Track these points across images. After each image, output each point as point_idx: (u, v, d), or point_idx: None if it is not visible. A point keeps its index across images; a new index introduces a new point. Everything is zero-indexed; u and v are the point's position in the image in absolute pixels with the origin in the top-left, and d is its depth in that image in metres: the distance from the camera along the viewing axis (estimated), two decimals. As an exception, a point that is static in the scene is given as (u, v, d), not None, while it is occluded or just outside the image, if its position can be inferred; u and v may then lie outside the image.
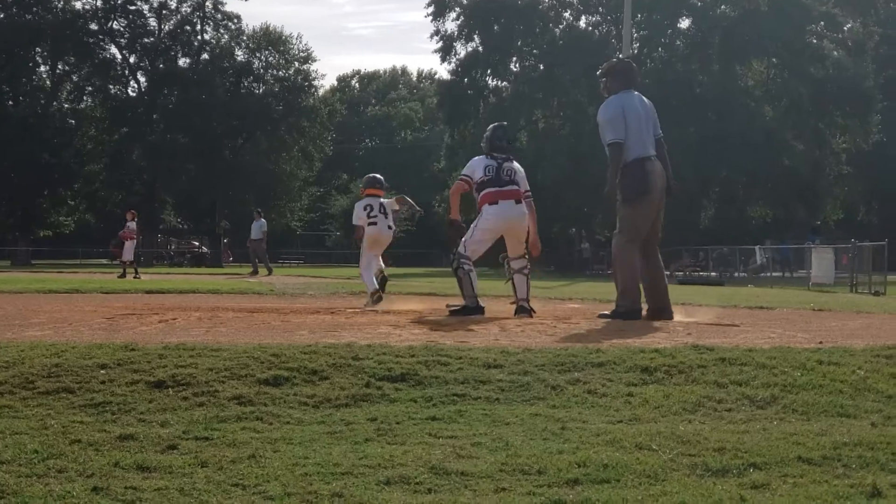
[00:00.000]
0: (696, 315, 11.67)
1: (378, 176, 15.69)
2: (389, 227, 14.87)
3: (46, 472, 4.63)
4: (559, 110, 65.03)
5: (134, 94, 79.25)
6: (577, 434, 5.42)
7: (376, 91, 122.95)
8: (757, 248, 45.33)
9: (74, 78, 78.82)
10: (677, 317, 10.93)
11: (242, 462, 4.82)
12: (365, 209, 14.60)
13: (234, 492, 4.35)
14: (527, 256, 11.76)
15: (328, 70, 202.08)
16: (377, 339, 7.95)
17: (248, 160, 78.58)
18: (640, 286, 11.01)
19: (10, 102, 75.18)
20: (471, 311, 11.31)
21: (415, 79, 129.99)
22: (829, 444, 5.27)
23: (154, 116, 77.26)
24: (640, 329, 9.62)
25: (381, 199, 14.91)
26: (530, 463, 4.77)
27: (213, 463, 4.80)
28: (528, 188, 11.80)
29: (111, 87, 78.36)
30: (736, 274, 43.46)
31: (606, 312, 11.10)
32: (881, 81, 67.19)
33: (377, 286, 13.75)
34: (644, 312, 10.89)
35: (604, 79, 11.36)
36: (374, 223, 14.58)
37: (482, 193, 11.56)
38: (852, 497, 4.34)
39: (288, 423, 5.73)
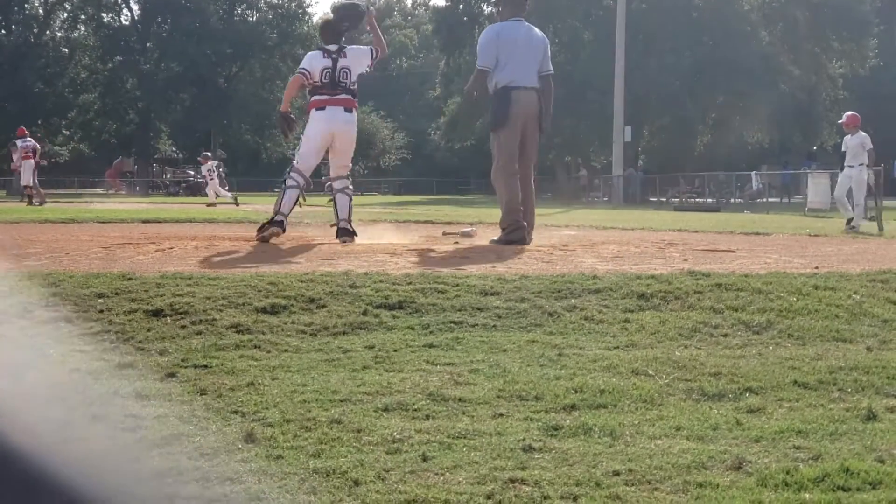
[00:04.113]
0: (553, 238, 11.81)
1: None
2: None
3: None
4: (554, 37, 64.42)
5: (127, 23, 78.77)
6: (573, 360, 5.45)
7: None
8: (753, 173, 45.30)
9: (67, 6, 78.20)
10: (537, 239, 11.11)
11: (241, 389, 4.84)
12: None
13: (233, 419, 4.37)
14: (349, 176, 11.47)
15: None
16: (374, 268, 7.95)
17: (242, 89, 78.26)
18: (520, 209, 10.90)
19: (3, 31, 74.64)
20: (274, 223, 10.79)
21: (409, 5, 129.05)
22: (824, 368, 5.30)
23: (147, 45, 76.84)
24: (637, 256, 9.64)
25: None
26: (527, 389, 4.80)
27: (212, 390, 4.83)
28: (371, 52, 11.25)
29: (104, 15, 77.82)
30: (732, 200, 43.47)
31: (495, 238, 11.06)
32: (878, 5, 66.74)
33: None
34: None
35: (497, 7, 11.45)
36: None
37: (312, 98, 11.16)
38: (848, 421, 4.37)
39: (286, 350, 5.75)
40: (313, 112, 11.09)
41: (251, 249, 9.93)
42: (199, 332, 6.07)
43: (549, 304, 6.70)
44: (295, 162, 11.14)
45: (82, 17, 77.84)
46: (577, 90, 51.17)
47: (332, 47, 11.12)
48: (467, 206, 33.70)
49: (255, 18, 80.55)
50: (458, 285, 7.05)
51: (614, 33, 47.02)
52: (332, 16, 11.55)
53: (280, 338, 6.01)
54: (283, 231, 10.87)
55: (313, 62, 11.09)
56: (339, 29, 11.29)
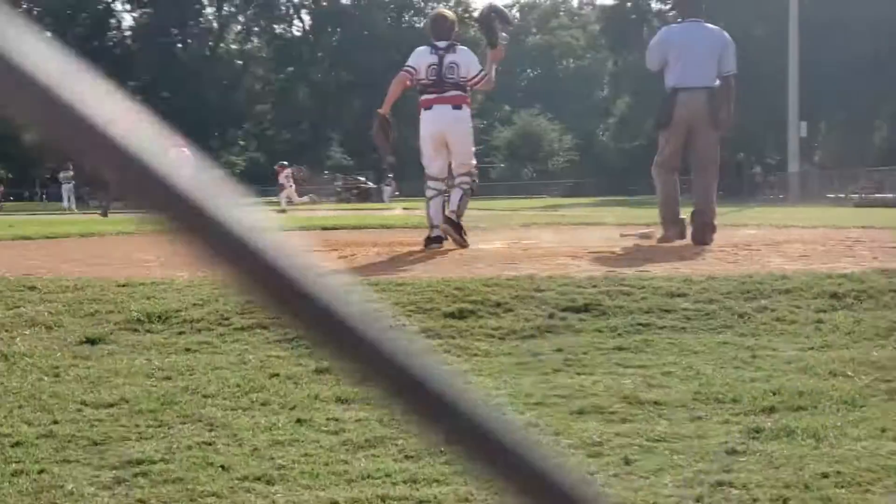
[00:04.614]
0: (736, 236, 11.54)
1: None
2: None
3: (251, 405, 4.81)
4: (726, 30, 63.51)
5: (299, 34, 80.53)
6: (768, 362, 5.39)
7: (537, 20, 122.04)
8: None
9: (241, 19, 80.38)
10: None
11: (437, 393, 4.92)
12: None
13: (430, 422, 4.44)
14: (473, 175, 10.98)
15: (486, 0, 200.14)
16: (557, 271, 7.95)
17: (410, 94, 79.13)
18: (674, 207, 10.95)
19: (179, 45, 77.08)
20: (431, 241, 10.65)
21: (576, 5, 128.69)
22: None
23: (318, 55, 78.40)
24: (824, 254, 9.44)
25: None
26: (723, 392, 4.76)
27: (408, 394, 4.91)
28: (480, 69, 10.84)
29: (276, 26, 79.78)
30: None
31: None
32: None
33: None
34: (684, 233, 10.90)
35: (673, 10, 11.39)
36: None
37: (421, 98, 10.93)
38: None
39: (476, 355, 5.81)
40: (422, 113, 10.92)
41: (432, 255, 10.03)
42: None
43: (738, 305, 6.62)
44: (426, 170, 10.96)
45: (255, 29, 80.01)
46: (749, 84, 50.22)
47: (442, 43, 10.84)
48: (638, 206, 33.42)
49: (422, 24, 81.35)
50: (643, 287, 7.01)
51: (786, 26, 46.06)
52: (447, 12, 11.49)
53: (469, 342, 6.08)
54: (440, 243, 10.70)
55: (419, 59, 10.85)
56: (451, 27, 11.10)
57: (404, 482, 3.65)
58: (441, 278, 7.52)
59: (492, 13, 11.35)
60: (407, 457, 3.96)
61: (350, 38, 75.77)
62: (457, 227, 10.66)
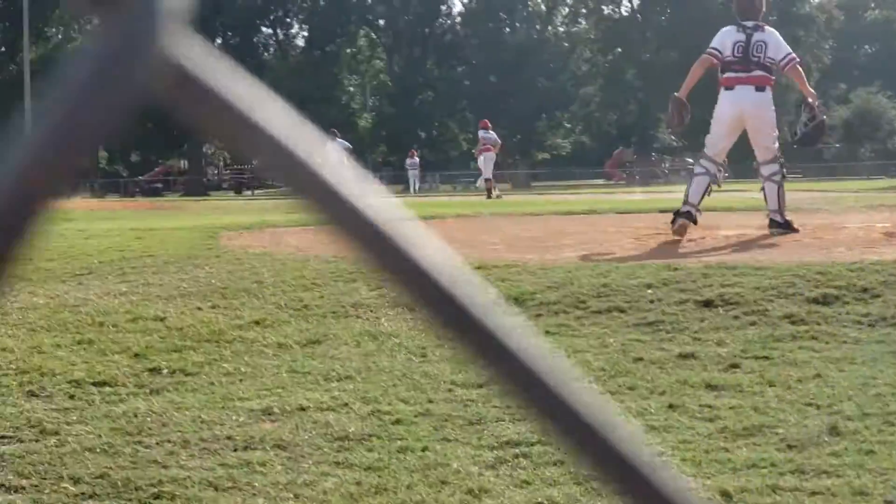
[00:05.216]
0: None
1: None
2: None
3: (618, 390, 4.82)
4: None
5: (627, 14, 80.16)
6: None
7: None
8: None
9: (569, 1, 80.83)
10: None
11: (809, 381, 4.79)
12: None
13: (808, 411, 4.34)
14: (779, 159, 10.33)
15: None
16: (925, 255, 7.59)
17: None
18: None
19: (508, 29, 78.21)
20: (680, 215, 10.13)
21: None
22: None
23: (647, 35, 77.75)
24: None
25: None
26: None
27: (779, 382, 4.81)
28: (789, 52, 10.39)
29: (604, 7, 79.68)
30: None
31: None
32: None
33: None
34: None
35: None
36: None
37: (723, 75, 10.32)
38: None
39: (845, 342, 5.62)
40: (721, 92, 10.47)
41: (785, 238, 9.74)
42: (753, 323, 6.05)
43: None
44: (705, 148, 10.58)
45: (583, 10, 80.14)
46: None
47: (749, 23, 10.39)
48: None
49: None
50: None
51: None
52: None
53: (837, 328, 5.88)
54: (694, 223, 10.28)
55: (725, 38, 10.43)
56: (760, 7, 10.57)
57: (791, 472, 3.57)
58: (800, 262, 7.32)
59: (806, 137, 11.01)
60: (790, 446, 3.87)
61: (680, 18, 74.71)
62: (784, 226, 10.25)
